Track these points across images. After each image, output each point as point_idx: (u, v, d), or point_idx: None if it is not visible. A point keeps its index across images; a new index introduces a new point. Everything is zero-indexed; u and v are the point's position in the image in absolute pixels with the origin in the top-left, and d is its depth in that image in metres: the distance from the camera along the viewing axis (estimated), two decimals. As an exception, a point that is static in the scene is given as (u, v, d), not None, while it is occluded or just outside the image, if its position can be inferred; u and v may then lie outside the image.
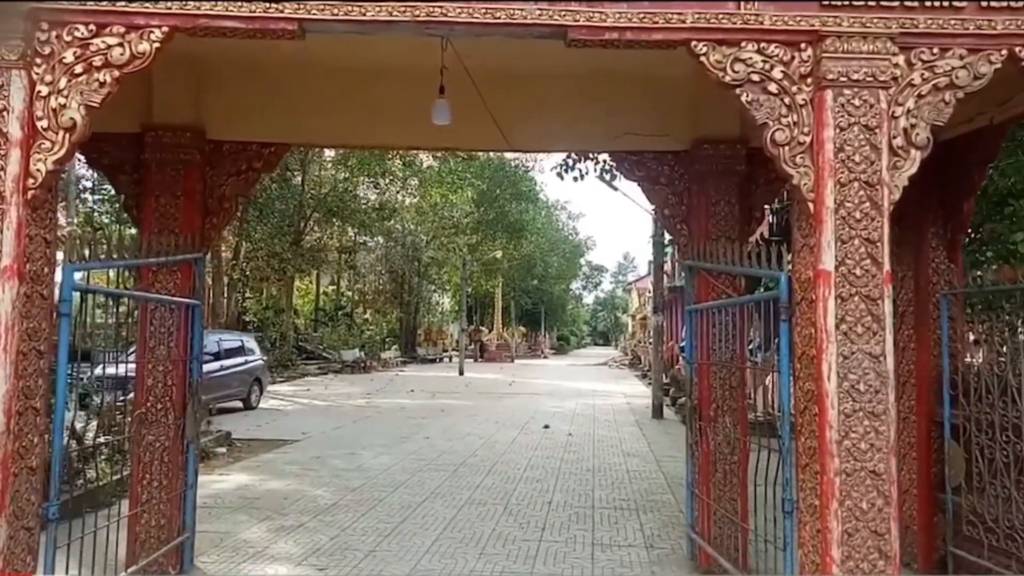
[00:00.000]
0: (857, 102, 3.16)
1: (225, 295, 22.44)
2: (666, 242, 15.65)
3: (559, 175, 11.69)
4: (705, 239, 4.86)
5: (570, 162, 11.53)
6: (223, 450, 10.05)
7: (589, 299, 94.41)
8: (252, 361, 15.68)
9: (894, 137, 3.18)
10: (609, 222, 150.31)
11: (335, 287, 40.26)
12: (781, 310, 3.42)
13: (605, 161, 11.97)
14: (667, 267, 21.45)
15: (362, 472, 8.58)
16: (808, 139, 3.19)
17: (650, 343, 22.02)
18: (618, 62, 4.71)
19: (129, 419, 4.85)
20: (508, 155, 40.90)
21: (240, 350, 15.47)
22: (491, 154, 38.22)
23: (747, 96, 3.19)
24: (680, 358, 21.08)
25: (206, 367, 13.69)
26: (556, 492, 7.61)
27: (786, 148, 3.19)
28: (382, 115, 5.21)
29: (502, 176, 40.00)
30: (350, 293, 41.01)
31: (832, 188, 3.14)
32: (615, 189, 14.55)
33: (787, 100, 3.20)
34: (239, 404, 15.13)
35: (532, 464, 9.29)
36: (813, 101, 3.19)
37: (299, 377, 24.64)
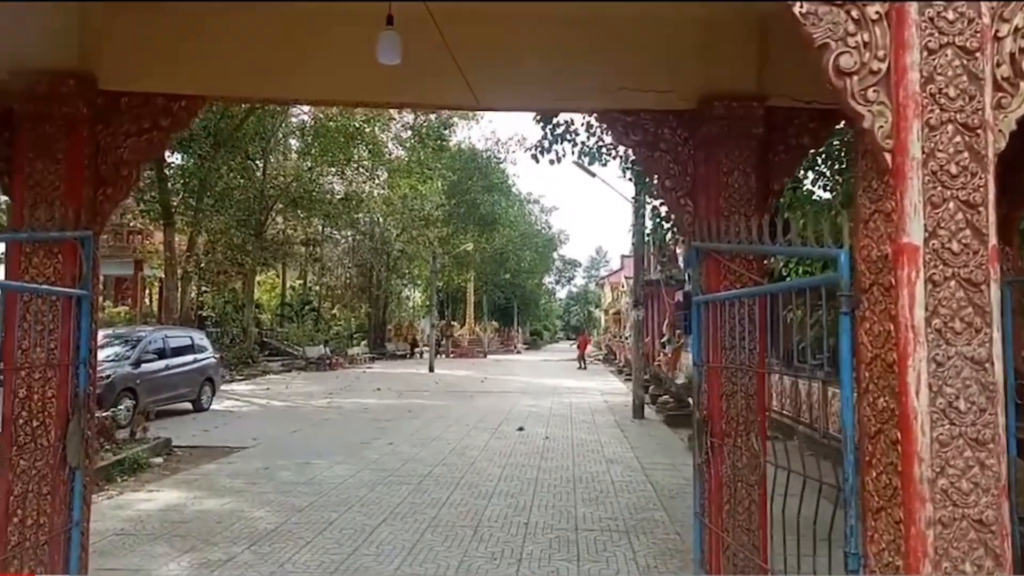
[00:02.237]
0: (951, 16, 2.29)
1: (179, 289, 21.15)
2: (647, 231, 14.81)
3: (534, 157, 10.78)
4: (716, 216, 3.99)
5: (546, 143, 10.62)
6: (160, 460, 9.01)
7: (562, 294, 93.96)
8: (203, 359, 14.57)
9: (999, 65, 2.33)
10: (582, 216, 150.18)
11: (302, 281, 38.93)
12: (843, 300, 2.55)
13: (583, 143, 11.11)
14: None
15: (313, 486, 7.61)
16: (884, 66, 2.31)
17: (627, 339, 21.28)
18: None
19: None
20: (479, 146, 39.97)
21: (190, 348, 14.35)
22: (462, 144, 37.38)
23: (801, 7, 2.32)
24: (661, 353, 20.37)
25: (149, 366, 12.89)
26: (533, 510, 6.73)
27: (854, 78, 2.30)
28: (322, 64, 4.26)
29: (473, 167, 39.16)
30: (317, 287, 39.71)
31: (919, 132, 2.28)
32: (592, 175, 13.71)
33: (855, 13, 2.31)
34: (188, 406, 14.03)
35: (506, 475, 8.40)
36: (890, 15, 2.32)
37: (260, 375, 23.50)
